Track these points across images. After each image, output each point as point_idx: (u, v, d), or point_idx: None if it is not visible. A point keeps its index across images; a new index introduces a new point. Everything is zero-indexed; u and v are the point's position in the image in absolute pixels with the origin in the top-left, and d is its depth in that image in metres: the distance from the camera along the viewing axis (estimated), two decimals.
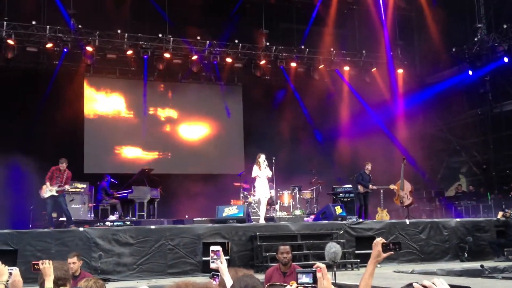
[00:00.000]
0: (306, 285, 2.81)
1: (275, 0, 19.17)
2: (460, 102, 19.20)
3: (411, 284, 2.12)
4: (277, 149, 16.42)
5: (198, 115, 19.30)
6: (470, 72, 18.39)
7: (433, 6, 19.08)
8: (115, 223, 12.39)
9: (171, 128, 19.11)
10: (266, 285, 4.10)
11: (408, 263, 11.46)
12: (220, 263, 3.65)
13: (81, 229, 10.24)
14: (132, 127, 18.49)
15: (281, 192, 15.66)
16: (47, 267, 3.83)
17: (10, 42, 15.58)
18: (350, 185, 15.32)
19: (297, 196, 15.87)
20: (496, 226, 12.50)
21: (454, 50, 18.76)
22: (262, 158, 12.50)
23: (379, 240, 3.34)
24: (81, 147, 17.42)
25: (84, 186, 14.49)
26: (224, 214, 12.08)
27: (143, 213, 14.24)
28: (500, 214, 12.29)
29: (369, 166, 14.26)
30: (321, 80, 19.59)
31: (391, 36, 19.87)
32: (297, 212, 15.44)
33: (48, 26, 16.09)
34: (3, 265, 3.66)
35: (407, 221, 12.45)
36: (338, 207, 13.19)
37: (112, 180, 15.17)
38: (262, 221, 12.32)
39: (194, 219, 13.93)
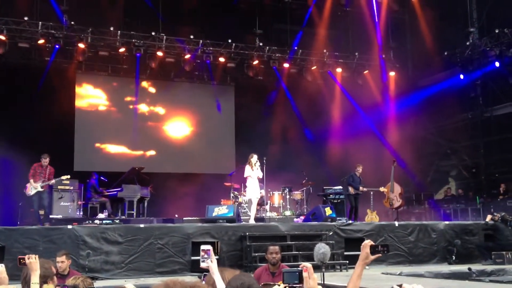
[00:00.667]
0: (293, 285, 2.81)
1: (269, 1, 19.20)
2: (451, 106, 19.27)
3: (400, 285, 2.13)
4: (268, 149, 16.44)
5: (190, 114, 19.25)
6: (462, 76, 18.49)
7: (426, 8, 19.15)
8: (104, 221, 12.31)
9: (163, 127, 19.03)
10: None
11: (397, 265, 11.49)
12: (210, 262, 3.63)
13: (69, 226, 10.19)
14: (123, 125, 18.40)
15: (271, 193, 15.65)
16: (33, 262, 3.80)
17: (2, 37, 15.44)
18: (340, 187, 15.39)
19: (288, 196, 15.87)
20: (484, 229, 12.57)
21: (446, 53, 18.85)
22: (254, 158, 12.51)
23: (368, 242, 3.37)
24: (71, 144, 17.31)
25: (72, 183, 14.33)
26: (214, 214, 12.08)
27: (132, 212, 14.17)
28: (488, 217, 12.34)
29: (360, 168, 14.32)
30: (314, 81, 19.59)
31: (384, 38, 19.95)
32: (287, 212, 15.44)
33: (40, 22, 15.97)
34: None
35: (396, 223, 12.55)
36: (328, 208, 13.26)
37: (101, 178, 15.10)
38: (252, 221, 12.34)
39: (184, 218, 13.91)
